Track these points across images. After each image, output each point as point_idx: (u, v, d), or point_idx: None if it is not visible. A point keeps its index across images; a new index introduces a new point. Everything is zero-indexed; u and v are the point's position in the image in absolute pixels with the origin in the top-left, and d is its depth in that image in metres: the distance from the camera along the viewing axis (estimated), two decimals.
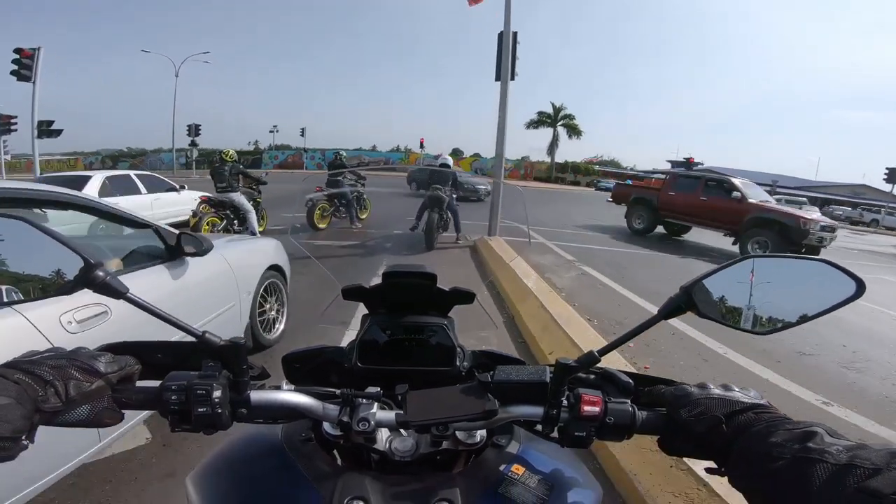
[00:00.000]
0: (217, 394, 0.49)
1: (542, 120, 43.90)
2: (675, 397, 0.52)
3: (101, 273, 0.51)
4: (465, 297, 0.74)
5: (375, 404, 0.57)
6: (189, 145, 27.96)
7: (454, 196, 7.56)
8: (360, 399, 0.57)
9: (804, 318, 0.54)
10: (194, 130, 27.02)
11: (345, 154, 10.26)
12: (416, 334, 0.73)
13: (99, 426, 0.48)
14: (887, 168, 26.16)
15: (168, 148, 32.31)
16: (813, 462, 0.37)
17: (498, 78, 7.52)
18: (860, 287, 0.51)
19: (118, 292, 0.51)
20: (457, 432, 0.59)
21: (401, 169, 38.05)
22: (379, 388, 0.59)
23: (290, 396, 0.56)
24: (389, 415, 0.55)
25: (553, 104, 43.97)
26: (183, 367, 0.53)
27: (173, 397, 0.49)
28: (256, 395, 0.54)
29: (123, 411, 0.50)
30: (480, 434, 0.62)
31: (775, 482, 0.39)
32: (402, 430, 0.60)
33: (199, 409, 0.49)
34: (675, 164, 62.71)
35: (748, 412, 0.47)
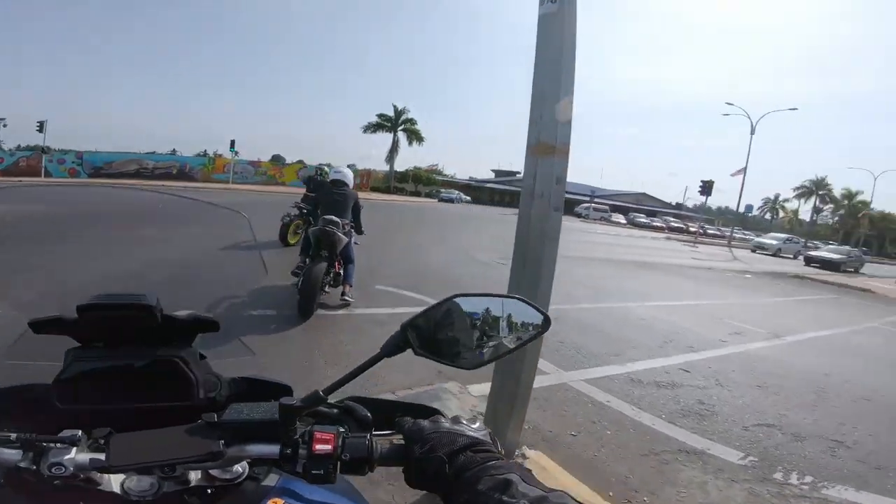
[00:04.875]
0: None
1: (381, 123, 39.99)
2: (410, 432, 0.53)
3: None
4: (208, 325, 0.66)
5: (74, 448, 0.51)
6: None
7: (353, 236, 4.99)
8: (50, 443, 0.51)
9: (505, 351, 0.61)
10: None
11: (327, 171, 6.64)
12: (136, 369, 0.62)
13: None
14: (702, 181, 30.25)
15: None
16: None
17: None
18: (546, 321, 0.61)
19: None
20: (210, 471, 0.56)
21: (202, 179, 28.53)
22: (79, 431, 0.53)
23: None
24: (88, 458, 0.51)
25: (395, 106, 40.14)
26: None
27: None
28: None
29: None
30: (242, 466, 0.57)
31: None
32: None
33: None
34: (499, 173, 65.17)
35: (467, 451, 0.49)
